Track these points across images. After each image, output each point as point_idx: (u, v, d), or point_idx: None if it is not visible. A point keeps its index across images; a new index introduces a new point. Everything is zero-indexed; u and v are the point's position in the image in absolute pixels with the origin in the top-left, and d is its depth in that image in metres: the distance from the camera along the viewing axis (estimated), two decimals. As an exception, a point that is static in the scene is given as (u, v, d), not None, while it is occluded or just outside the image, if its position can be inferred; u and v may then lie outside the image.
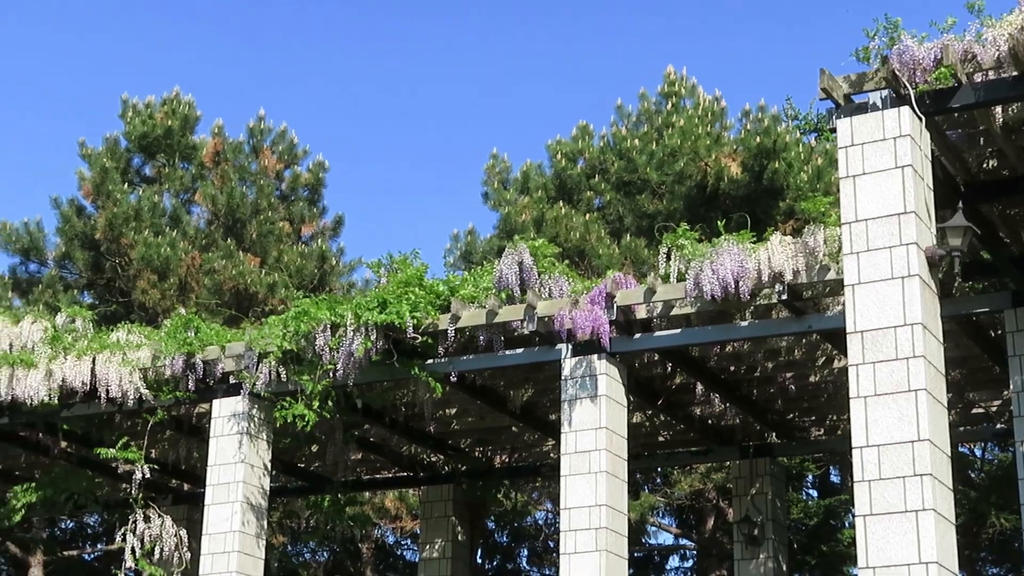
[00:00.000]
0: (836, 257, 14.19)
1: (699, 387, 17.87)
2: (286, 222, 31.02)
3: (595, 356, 15.62)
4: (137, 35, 68.04)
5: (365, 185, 67.49)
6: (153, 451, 19.37)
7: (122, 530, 18.03)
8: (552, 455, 20.49)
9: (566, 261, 18.42)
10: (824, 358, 17.34)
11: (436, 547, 20.80)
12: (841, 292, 14.24)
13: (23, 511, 20.08)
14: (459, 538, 20.92)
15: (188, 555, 18.11)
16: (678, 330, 15.76)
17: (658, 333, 15.83)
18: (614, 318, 15.52)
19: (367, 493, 26.52)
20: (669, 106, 28.66)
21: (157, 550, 17.93)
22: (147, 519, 18.03)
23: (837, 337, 15.09)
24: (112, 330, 19.02)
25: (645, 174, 27.50)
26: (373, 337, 16.30)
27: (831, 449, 21.52)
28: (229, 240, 29.87)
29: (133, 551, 17.76)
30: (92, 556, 36.83)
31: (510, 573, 36.20)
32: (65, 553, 34.63)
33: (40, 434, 20.29)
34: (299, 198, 32.01)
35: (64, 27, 67.72)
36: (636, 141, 28.09)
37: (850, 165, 12.50)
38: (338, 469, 20.48)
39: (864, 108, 12.59)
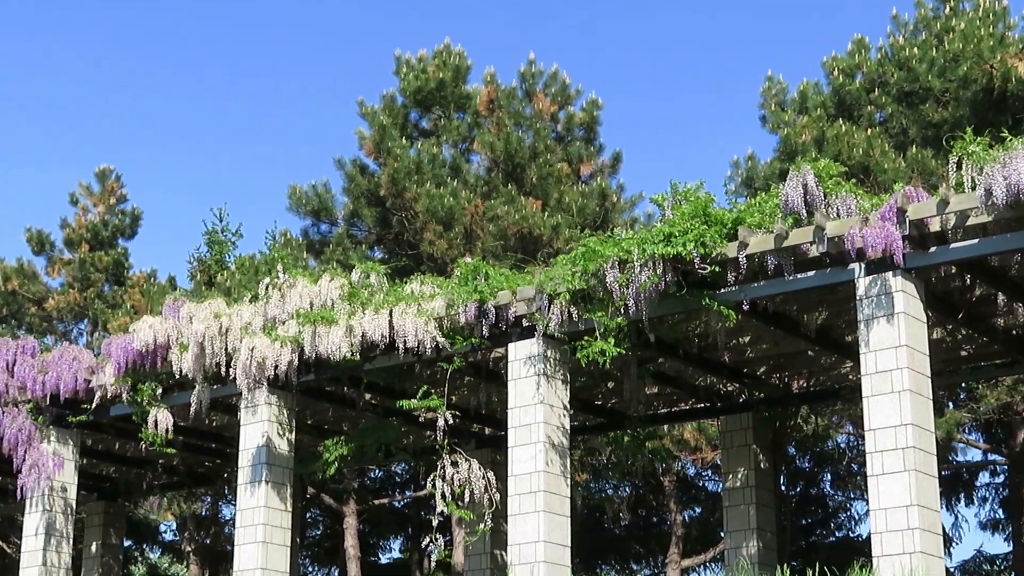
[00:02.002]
0: None
1: (1001, 297, 17.31)
2: (564, 163, 31.14)
3: (889, 273, 15.27)
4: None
5: (640, 119, 67.46)
6: (454, 397, 19.77)
7: (431, 476, 18.46)
8: (851, 377, 20.17)
9: (851, 179, 17.99)
10: None
11: (739, 476, 20.71)
12: None
13: (336, 464, 20.72)
14: (761, 466, 20.77)
15: (498, 496, 18.42)
16: (975, 240, 15.27)
17: (954, 245, 15.36)
18: (907, 233, 15.14)
19: (665, 426, 26.59)
20: (947, 10, 27.74)
21: (467, 493, 18.30)
22: (455, 464, 18.42)
23: None
24: (406, 283, 19.44)
25: (927, 83, 26.73)
26: (661, 270, 16.27)
27: None
28: (510, 185, 30.15)
29: (443, 496, 18.18)
30: (402, 503, 38.04)
31: (814, 498, 35.88)
32: (376, 501, 35.85)
33: (345, 388, 20.98)
34: (575, 138, 32.07)
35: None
36: (915, 50, 27.30)
37: None
38: (634, 404, 20.56)
39: None
